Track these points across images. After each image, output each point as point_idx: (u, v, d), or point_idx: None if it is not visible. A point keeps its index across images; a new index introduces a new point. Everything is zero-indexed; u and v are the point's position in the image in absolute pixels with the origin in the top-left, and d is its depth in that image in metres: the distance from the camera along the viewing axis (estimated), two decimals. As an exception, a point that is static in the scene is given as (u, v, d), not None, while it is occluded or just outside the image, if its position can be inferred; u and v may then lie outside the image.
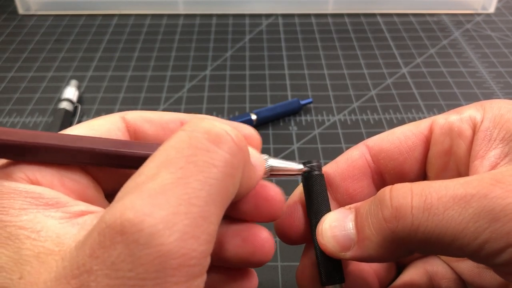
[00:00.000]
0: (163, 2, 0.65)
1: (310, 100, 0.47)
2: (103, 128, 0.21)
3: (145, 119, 0.22)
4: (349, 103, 0.48)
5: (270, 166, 0.22)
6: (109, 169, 0.20)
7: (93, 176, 0.20)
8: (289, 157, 0.42)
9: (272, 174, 0.23)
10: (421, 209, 0.18)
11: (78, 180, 0.19)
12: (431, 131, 0.24)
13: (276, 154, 0.42)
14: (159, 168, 0.15)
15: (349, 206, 0.22)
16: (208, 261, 0.15)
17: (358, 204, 0.22)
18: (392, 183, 0.25)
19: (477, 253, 0.18)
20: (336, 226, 0.22)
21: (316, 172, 0.24)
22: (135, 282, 0.14)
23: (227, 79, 0.52)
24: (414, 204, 0.19)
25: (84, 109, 0.48)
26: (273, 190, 0.22)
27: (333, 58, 0.56)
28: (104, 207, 0.19)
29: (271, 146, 0.43)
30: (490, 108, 0.23)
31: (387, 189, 0.20)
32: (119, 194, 0.15)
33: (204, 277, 0.15)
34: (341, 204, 0.25)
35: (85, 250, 0.14)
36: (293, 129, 0.45)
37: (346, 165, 0.25)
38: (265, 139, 0.44)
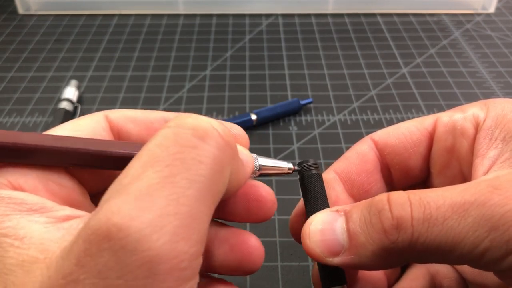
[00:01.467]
0: (163, 2, 0.65)
1: (310, 100, 0.47)
2: (88, 127, 0.20)
3: (128, 119, 0.21)
4: (349, 103, 0.48)
5: (260, 165, 0.22)
6: (94, 170, 0.20)
7: (78, 179, 0.20)
8: (289, 157, 0.42)
9: (262, 174, 0.22)
10: (420, 220, 0.18)
11: (63, 184, 0.19)
12: (435, 128, 0.25)
13: (276, 154, 0.42)
14: (144, 168, 0.15)
15: (336, 208, 0.22)
16: (200, 261, 0.15)
17: (347, 207, 0.21)
18: (398, 179, 0.25)
19: (477, 261, 0.18)
20: (324, 230, 0.21)
21: (314, 171, 0.24)
22: None
23: (227, 79, 0.52)
24: (414, 215, 0.18)
25: (84, 109, 0.48)
26: (264, 190, 0.21)
27: (333, 58, 0.56)
28: (90, 210, 0.19)
29: (271, 146, 0.43)
30: (493, 107, 0.23)
31: (384, 198, 0.19)
32: (104, 197, 0.15)
33: (196, 279, 0.15)
34: (357, 199, 0.25)
35: (71, 259, 0.14)
36: (293, 129, 0.45)
37: (358, 160, 0.25)
38: (265, 139, 0.44)
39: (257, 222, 0.21)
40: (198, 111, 0.47)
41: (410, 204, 0.19)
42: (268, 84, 0.51)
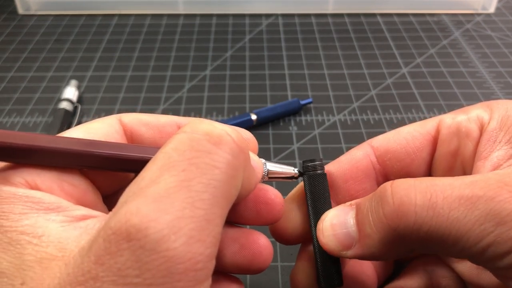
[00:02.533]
0: (163, 2, 0.65)
1: (310, 100, 0.47)
2: (101, 131, 0.20)
3: (141, 122, 0.22)
4: (349, 103, 0.48)
5: (268, 170, 0.22)
6: (108, 172, 0.20)
7: (91, 180, 0.20)
8: (289, 157, 0.41)
9: (269, 178, 0.23)
10: (425, 208, 0.18)
11: (77, 185, 0.19)
12: (438, 131, 0.24)
13: (276, 154, 0.42)
14: (161, 171, 0.15)
15: (350, 202, 0.22)
16: (213, 264, 0.15)
17: (359, 200, 0.21)
18: None
19: (479, 256, 0.18)
20: (336, 224, 0.21)
21: (319, 171, 0.24)
22: None
23: (227, 79, 0.52)
24: (418, 202, 0.18)
25: (84, 109, 0.48)
26: (273, 193, 0.21)
27: (333, 58, 0.56)
28: (103, 211, 0.19)
29: (271, 146, 0.43)
30: (497, 108, 0.22)
31: (387, 184, 0.19)
32: (122, 199, 0.15)
33: (209, 281, 0.15)
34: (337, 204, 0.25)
35: (90, 257, 0.14)
36: (293, 129, 0.45)
37: (349, 165, 0.25)
38: (265, 139, 0.44)
39: (266, 225, 0.22)
40: (198, 111, 0.47)
41: (415, 190, 0.18)
42: (268, 84, 0.51)
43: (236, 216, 0.21)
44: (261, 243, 0.21)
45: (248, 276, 0.32)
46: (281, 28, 0.63)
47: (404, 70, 0.53)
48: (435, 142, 0.24)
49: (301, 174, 0.24)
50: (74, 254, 0.15)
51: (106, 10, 0.66)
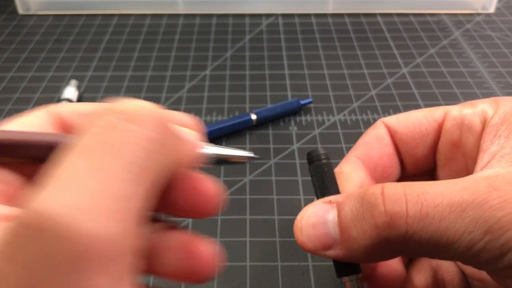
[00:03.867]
0: (163, 2, 0.65)
1: (310, 100, 0.47)
2: (33, 123, 0.19)
3: (77, 113, 0.20)
4: (349, 103, 0.48)
5: (213, 153, 0.21)
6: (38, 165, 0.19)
7: (26, 175, 0.19)
8: (289, 157, 0.42)
9: (217, 161, 0.21)
10: (416, 218, 0.18)
11: (6, 181, 0.18)
12: (444, 121, 0.25)
13: (276, 154, 0.42)
14: (73, 155, 0.14)
15: (329, 199, 0.21)
16: (136, 243, 0.14)
17: (339, 198, 0.21)
18: (408, 165, 0.26)
19: (471, 260, 0.18)
20: (316, 223, 0.21)
21: (324, 161, 0.24)
22: (54, 279, 0.13)
23: (227, 79, 0.52)
24: (409, 212, 0.18)
25: (84, 109, 0.48)
26: (209, 183, 0.19)
27: (333, 58, 0.56)
28: None
29: (271, 146, 0.43)
30: (503, 105, 0.23)
31: (377, 191, 0.19)
32: (34, 189, 0.14)
33: (132, 259, 0.14)
34: (377, 182, 0.26)
35: (1, 256, 0.13)
36: (293, 129, 0.45)
37: (378, 143, 0.26)
38: (265, 139, 0.44)
39: (202, 218, 0.20)
40: (198, 111, 0.47)
41: (406, 200, 0.18)
42: (268, 84, 0.51)
43: (171, 208, 0.19)
44: (203, 250, 0.18)
45: (248, 275, 0.32)
46: (281, 28, 0.63)
47: (404, 70, 0.53)
48: (440, 130, 0.25)
49: (307, 162, 0.24)
50: None
51: (106, 10, 0.66)
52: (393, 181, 0.27)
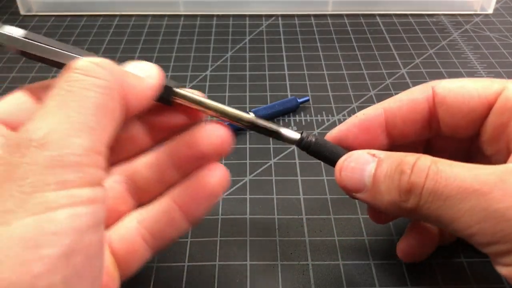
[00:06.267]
0: (164, 3, 0.66)
1: (307, 98, 0.48)
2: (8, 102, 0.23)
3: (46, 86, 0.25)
4: (348, 103, 0.48)
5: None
6: None
7: None
8: (289, 157, 0.42)
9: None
10: (428, 191, 0.21)
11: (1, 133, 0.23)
12: (496, 98, 0.25)
13: (276, 154, 0.42)
14: (45, 102, 0.19)
15: (373, 152, 0.24)
16: (96, 158, 0.18)
17: (382, 155, 0.24)
18: (445, 130, 0.27)
19: (467, 239, 0.21)
20: (355, 169, 0.24)
21: (313, 140, 0.27)
22: (44, 172, 0.17)
23: (228, 80, 0.53)
24: (425, 185, 0.21)
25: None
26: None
27: (333, 59, 0.56)
28: None
29: (271, 146, 0.43)
30: None
31: (411, 160, 0.22)
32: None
33: (96, 170, 0.18)
34: (393, 142, 0.28)
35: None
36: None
37: (410, 107, 0.27)
38: (265, 139, 0.44)
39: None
40: (199, 112, 0.48)
41: (427, 174, 0.21)
42: (268, 85, 0.52)
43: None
44: (220, 131, 0.26)
45: (248, 275, 0.32)
46: (281, 28, 0.63)
47: (403, 70, 0.54)
48: (490, 107, 0.25)
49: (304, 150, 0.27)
50: None
51: (107, 11, 0.66)
52: (407, 146, 0.29)
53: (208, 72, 0.54)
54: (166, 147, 0.26)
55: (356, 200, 0.37)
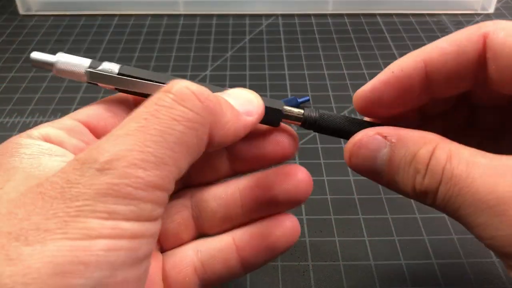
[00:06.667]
0: (164, 3, 0.66)
1: (307, 98, 0.47)
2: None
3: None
4: (348, 103, 0.48)
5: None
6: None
7: (98, 136, 0.23)
8: (289, 157, 0.42)
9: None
10: (441, 197, 0.20)
11: (83, 139, 0.22)
12: None
13: (276, 154, 0.42)
14: (128, 121, 0.18)
15: (385, 133, 0.22)
16: (158, 194, 0.17)
17: (394, 138, 0.22)
18: (493, 89, 0.22)
19: (468, 230, 0.20)
20: (367, 157, 0.22)
21: (315, 115, 0.26)
22: (95, 198, 0.16)
23: (227, 80, 0.52)
24: (439, 190, 0.20)
25: (85, 109, 0.48)
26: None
27: (333, 58, 0.56)
28: None
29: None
30: None
31: (425, 155, 0.20)
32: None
33: (152, 208, 0.17)
34: (432, 97, 0.24)
35: (59, 174, 0.17)
36: (293, 129, 0.45)
37: (456, 62, 0.22)
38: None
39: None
40: (198, 111, 0.47)
41: (441, 178, 0.20)
42: (268, 84, 0.51)
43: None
44: (300, 175, 0.24)
45: (248, 275, 0.32)
46: (281, 28, 0.63)
47: (404, 70, 0.53)
48: None
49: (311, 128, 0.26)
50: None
51: (107, 11, 0.66)
52: (450, 102, 0.26)
53: (208, 72, 0.54)
54: (241, 183, 0.25)
55: (357, 201, 0.37)
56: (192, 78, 0.53)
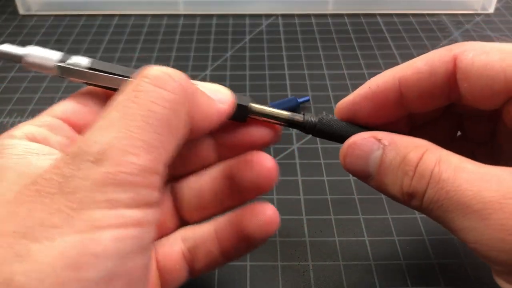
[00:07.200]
0: (163, 3, 0.66)
1: (307, 98, 0.47)
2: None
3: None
4: (349, 103, 0.48)
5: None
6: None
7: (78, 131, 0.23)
8: (289, 157, 0.42)
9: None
10: (428, 200, 0.20)
11: (65, 135, 0.23)
12: None
13: (276, 154, 0.42)
14: (110, 110, 0.18)
15: (379, 136, 0.23)
16: (153, 178, 0.18)
17: (387, 141, 0.22)
18: (466, 104, 0.23)
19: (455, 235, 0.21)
20: (360, 156, 0.23)
21: (314, 120, 0.25)
22: (94, 188, 0.16)
23: (227, 80, 0.52)
24: (426, 193, 0.20)
25: (85, 109, 0.48)
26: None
27: (333, 58, 0.56)
28: None
29: (271, 146, 0.43)
30: None
31: (414, 158, 0.21)
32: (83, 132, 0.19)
33: (149, 192, 0.17)
34: (408, 110, 0.25)
35: (46, 171, 0.17)
36: (293, 129, 0.45)
37: (429, 80, 0.23)
38: (265, 139, 0.44)
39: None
40: (198, 111, 0.47)
41: (428, 181, 0.20)
42: (268, 84, 0.51)
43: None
44: (263, 162, 0.25)
45: (248, 275, 0.32)
46: (281, 28, 0.63)
47: (404, 70, 0.53)
48: None
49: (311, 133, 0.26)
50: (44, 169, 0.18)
51: (106, 11, 0.66)
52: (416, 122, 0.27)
53: (208, 72, 0.54)
54: (212, 171, 0.26)
55: (357, 201, 0.37)
56: (192, 78, 0.52)
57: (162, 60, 0.56)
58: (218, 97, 0.23)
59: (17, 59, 0.23)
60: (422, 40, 0.59)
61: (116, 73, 0.23)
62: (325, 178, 0.39)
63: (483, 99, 0.22)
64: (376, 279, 0.31)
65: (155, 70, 0.19)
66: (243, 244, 0.25)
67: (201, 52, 0.57)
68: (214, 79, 0.52)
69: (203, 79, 0.52)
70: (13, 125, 0.46)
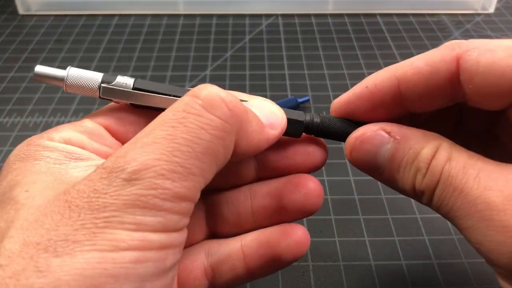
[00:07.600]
0: (163, 2, 0.65)
1: (307, 98, 0.47)
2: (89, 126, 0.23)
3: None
4: (349, 103, 0.48)
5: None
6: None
7: (121, 141, 0.23)
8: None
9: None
10: (437, 197, 0.20)
11: (106, 143, 0.22)
12: None
13: (276, 154, 0.42)
14: (155, 127, 0.17)
15: (389, 128, 0.22)
16: (184, 205, 0.17)
17: (399, 135, 0.22)
18: (470, 105, 0.22)
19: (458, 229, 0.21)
20: (369, 151, 0.22)
21: (317, 120, 0.25)
22: (123, 209, 0.16)
23: (227, 79, 0.52)
24: (436, 191, 0.20)
25: (85, 109, 0.48)
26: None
27: (333, 58, 0.56)
28: None
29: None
30: None
31: (428, 155, 0.20)
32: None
33: (178, 219, 0.17)
34: (407, 111, 0.23)
35: (80, 182, 0.17)
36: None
37: (430, 81, 0.22)
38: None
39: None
40: (198, 111, 0.47)
41: (438, 178, 0.20)
42: (268, 84, 0.51)
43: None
44: (310, 186, 0.24)
45: (248, 275, 0.32)
46: (281, 28, 0.63)
47: (404, 70, 0.53)
48: None
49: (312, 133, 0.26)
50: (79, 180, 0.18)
51: (106, 10, 0.66)
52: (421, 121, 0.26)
53: (207, 72, 0.54)
54: (252, 190, 0.25)
55: (357, 201, 0.37)
56: (192, 78, 0.53)
57: (162, 60, 0.56)
58: (270, 120, 0.22)
59: (56, 82, 0.22)
60: (422, 40, 0.59)
61: (162, 92, 0.22)
62: (325, 178, 0.39)
63: (490, 99, 0.21)
64: (376, 279, 0.31)
65: (209, 92, 0.18)
66: (271, 264, 0.24)
67: (201, 52, 0.57)
68: (214, 79, 0.52)
69: (203, 79, 0.52)
70: (12, 125, 0.46)
